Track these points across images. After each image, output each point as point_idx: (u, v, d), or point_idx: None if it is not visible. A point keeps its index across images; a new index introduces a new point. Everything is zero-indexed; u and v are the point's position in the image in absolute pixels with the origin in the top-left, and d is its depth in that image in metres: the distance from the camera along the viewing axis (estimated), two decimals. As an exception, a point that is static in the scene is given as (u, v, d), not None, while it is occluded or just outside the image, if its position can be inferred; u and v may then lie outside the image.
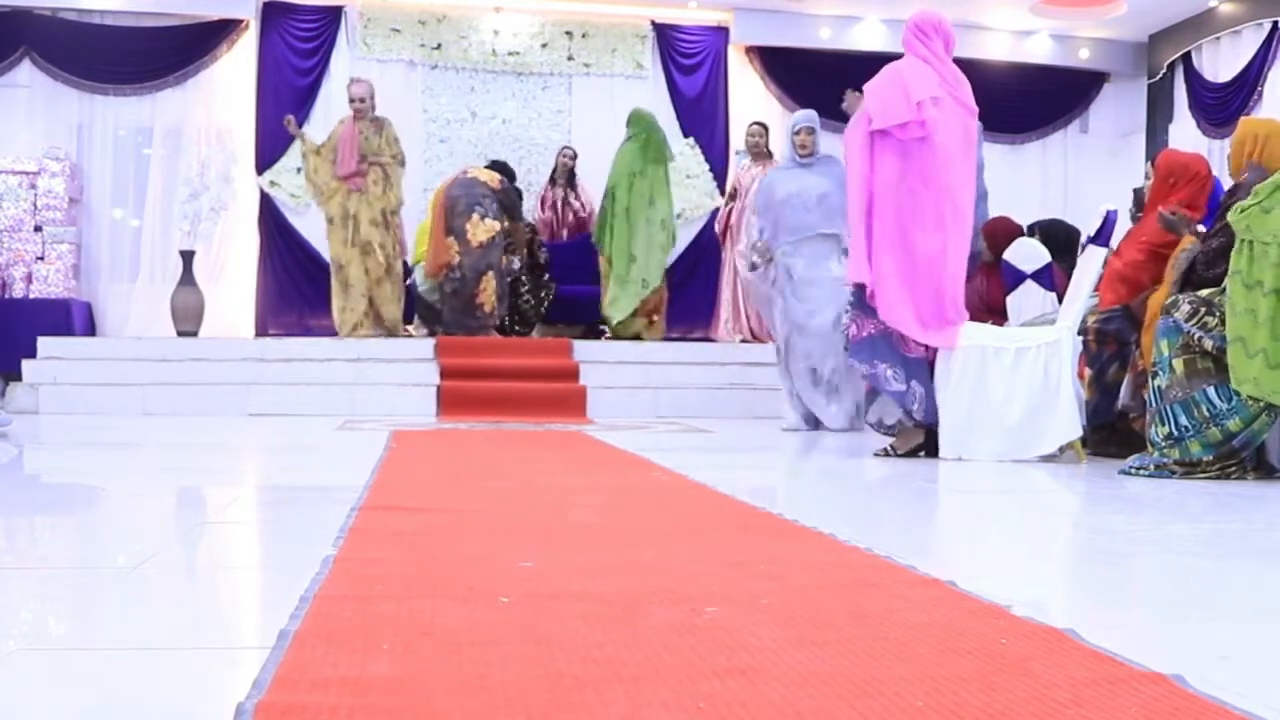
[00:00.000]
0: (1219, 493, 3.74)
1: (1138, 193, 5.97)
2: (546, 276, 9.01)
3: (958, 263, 4.79)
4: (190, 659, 1.54)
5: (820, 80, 9.36)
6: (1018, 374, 4.69)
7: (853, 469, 4.62)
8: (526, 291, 8.84)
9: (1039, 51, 10.66)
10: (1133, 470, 4.24)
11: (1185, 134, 10.02)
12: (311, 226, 9.14)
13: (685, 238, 10.16)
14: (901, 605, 1.82)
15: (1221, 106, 9.64)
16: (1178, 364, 4.15)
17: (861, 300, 4.81)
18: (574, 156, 9.61)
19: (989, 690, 1.36)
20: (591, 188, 9.45)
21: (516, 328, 8.84)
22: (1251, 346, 3.92)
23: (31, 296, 8.77)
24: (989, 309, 5.88)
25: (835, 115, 7.49)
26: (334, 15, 9.91)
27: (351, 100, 8.26)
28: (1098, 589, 2.28)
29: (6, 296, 8.71)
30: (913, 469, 4.50)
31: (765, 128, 8.84)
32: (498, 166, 8.82)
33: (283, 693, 1.30)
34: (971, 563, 2.52)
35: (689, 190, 10.25)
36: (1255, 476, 4.16)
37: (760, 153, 8.68)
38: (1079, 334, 4.87)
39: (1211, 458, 4.11)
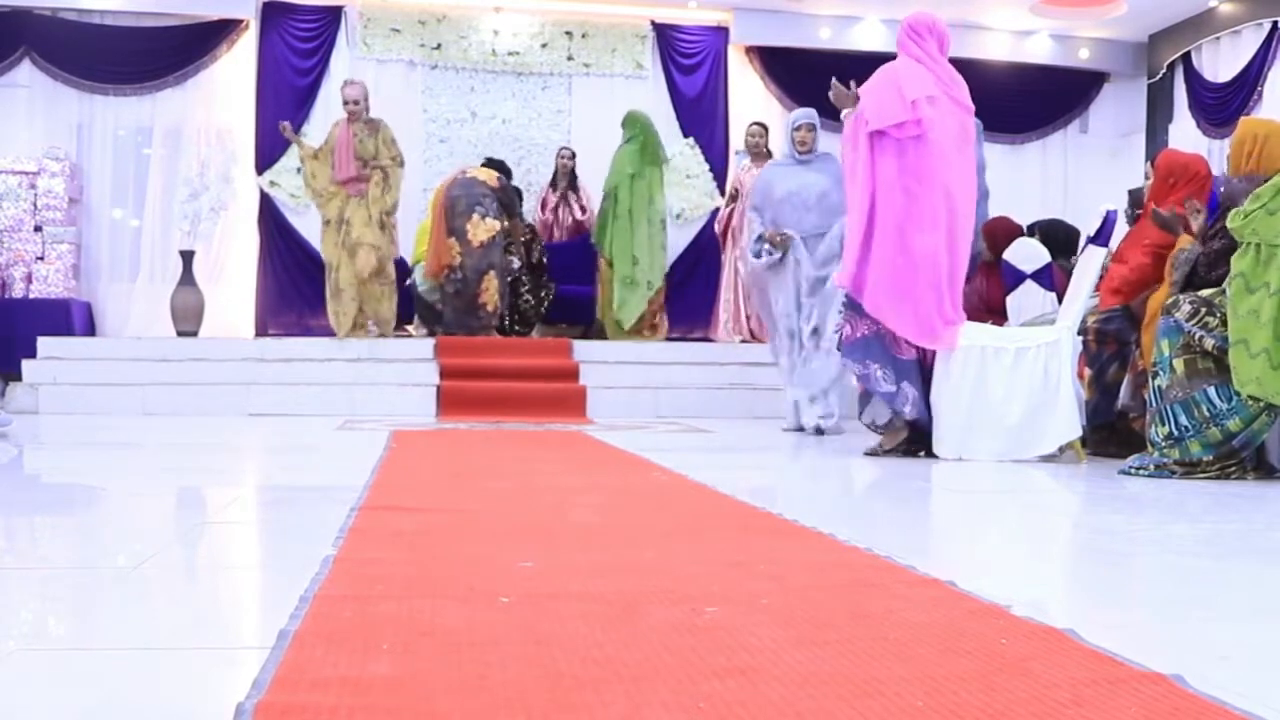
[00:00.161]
0: (1219, 493, 3.74)
1: (1133, 193, 5.97)
2: (546, 276, 9.01)
3: (958, 262, 4.80)
4: (190, 659, 1.54)
5: (820, 80, 9.26)
6: (1018, 374, 4.69)
7: (852, 469, 4.61)
8: (526, 291, 8.84)
9: (1039, 51, 10.66)
10: (1133, 470, 4.24)
11: (1185, 134, 10.02)
12: (311, 226, 9.13)
13: (685, 238, 10.17)
14: (901, 605, 1.82)
15: (1221, 106, 9.64)
16: (1178, 364, 4.16)
17: (853, 300, 4.84)
18: (571, 157, 9.62)
19: (989, 690, 1.36)
20: (592, 188, 9.45)
21: (516, 328, 8.84)
22: (1254, 347, 3.93)
23: (31, 296, 8.77)
24: (989, 309, 5.88)
25: (836, 115, 7.49)
26: (334, 15, 9.90)
27: (345, 102, 8.16)
28: (1098, 589, 2.28)
29: (6, 296, 8.71)
30: (912, 469, 4.50)
31: (765, 128, 8.85)
32: (494, 164, 8.81)
33: (283, 693, 1.30)
34: (971, 563, 2.52)
35: (689, 190, 10.26)
36: (1255, 476, 4.17)
37: (760, 153, 8.68)
38: (1079, 334, 4.87)
39: (1211, 458, 4.11)
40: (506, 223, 8.43)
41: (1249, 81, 9.31)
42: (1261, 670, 1.55)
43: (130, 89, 9.60)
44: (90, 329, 9.21)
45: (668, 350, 8.55)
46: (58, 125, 9.50)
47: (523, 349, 8.44)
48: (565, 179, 9.66)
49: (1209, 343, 4.09)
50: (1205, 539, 2.86)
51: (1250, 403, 4.01)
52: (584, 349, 8.29)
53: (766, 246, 6.22)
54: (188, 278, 8.84)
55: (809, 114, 6.46)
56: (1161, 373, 4.21)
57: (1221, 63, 9.81)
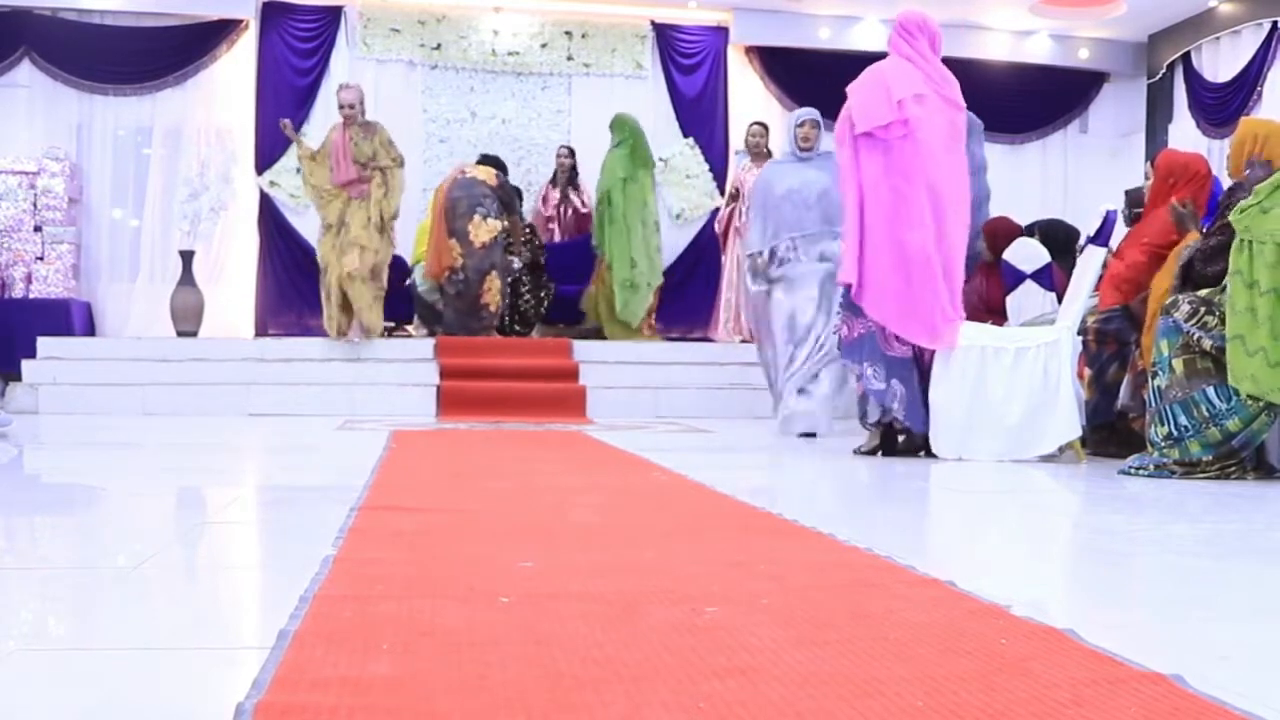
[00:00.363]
0: (1219, 493, 3.74)
1: (1130, 194, 5.97)
2: (546, 276, 9.02)
3: (953, 259, 4.80)
4: (190, 659, 1.54)
5: (820, 80, 9.34)
6: (1017, 374, 4.70)
7: (852, 469, 4.62)
8: (526, 291, 8.84)
9: (1039, 51, 10.66)
10: (1132, 470, 4.24)
11: (1185, 134, 10.02)
12: (311, 226, 9.13)
13: (685, 238, 10.18)
14: (901, 605, 1.82)
15: (1221, 106, 9.64)
16: (1177, 364, 4.16)
17: (850, 301, 4.85)
18: (569, 155, 9.63)
19: (989, 690, 1.36)
20: (591, 186, 9.45)
21: (516, 328, 8.84)
22: (1250, 344, 3.93)
23: (31, 296, 8.77)
24: (989, 309, 5.88)
25: (836, 115, 7.49)
26: (334, 15, 9.90)
27: (341, 106, 8.07)
28: (1098, 589, 2.28)
29: (6, 296, 8.71)
30: (912, 469, 4.50)
31: (766, 128, 8.85)
32: (490, 161, 8.79)
33: (282, 693, 1.30)
34: (971, 563, 2.52)
35: (689, 190, 10.26)
36: (1255, 476, 4.17)
37: (760, 153, 8.69)
38: (1079, 334, 4.88)
39: (1211, 458, 4.11)
40: (507, 222, 8.43)
41: (1249, 81, 9.31)
42: (1261, 670, 1.55)
43: (130, 89, 9.60)
44: (90, 329, 9.21)
45: (668, 350, 8.55)
46: (58, 125, 9.50)
47: (523, 349, 8.44)
48: (565, 177, 9.67)
49: (1208, 343, 4.09)
50: (1205, 539, 2.86)
51: (1249, 402, 4.01)
52: (584, 349, 8.29)
53: (749, 277, 6.21)
54: (187, 278, 8.84)
55: (813, 111, 6.40)
56: (1161, 373, 4.21)
57: (1221, 63, 9.81)
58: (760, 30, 10.27)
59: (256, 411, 7.44)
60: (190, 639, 1.67)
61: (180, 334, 8.70)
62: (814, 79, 9.76)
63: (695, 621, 1.69)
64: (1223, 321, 4.05)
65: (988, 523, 3.27)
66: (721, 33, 10.35)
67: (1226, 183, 4.81)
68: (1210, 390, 4.09)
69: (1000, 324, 5.66)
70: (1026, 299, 5.94)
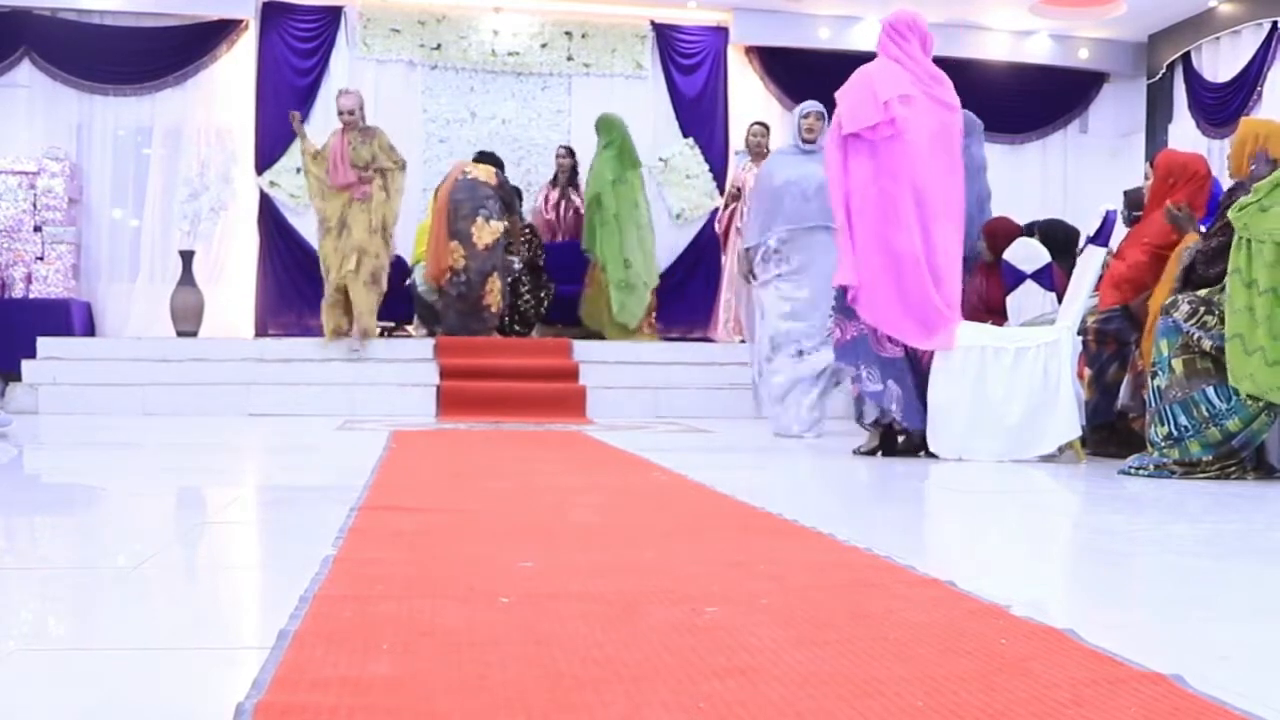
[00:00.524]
0: (1219, 493, 3.74)
1: (1129, 194, 5.97)
2: (546, 276, 9.02)
3: (943, 260, 4.79)
4: (190, 659, 1.54)
5: (820, 80, 9.30)
6: (1017, 374, 4.70)
7: (851, 469, 4.62)
8: (526, 291, 8.84)
9: (1039, 51, 10.66)
10: (1132, 470, 4.24)
11: (1185, 134, 10.02)
12: (311, 226, 9.11)
13: (685, 238, 10.19)
14: (901, 605, 1.82)
15: (1221, 107, 9.64)
16: (1177, 364, 4.16)
17: (843, 303, 4.85)
18: (568, 155, 9.62)
19: (989, 690, 1.36)
20: (589, 186, 9.46)
21: (516, 328, 8.84)
22: (1250, 344, 3.93)
23: (31, 296, 8.77)
24: (989, 309, 5.88)
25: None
26: (333, 15, 9.90)
27: (340, 113, 8.02)
28: (1098, 589, 2.28)
29: (6, 296, 8.71)
30: (912, 469, 4.50)
31: (766, 128, 8.85)
32: (487, 157, 8.78)
33: (282, 693, 1.30)
34: (971, 563, 2.52)
35: (689, 190, 10.26)
36: (1255, 476, 4.17)
37: (761, 153, 8.68)
38: (1079, 334, 4.88)
39: (1211, 458, 4.11)
40: (508, 222, 8.43)
41: (1249, 81, 9.31)
42: (1261, 670, 1.55)
43: (130, 89, 9.60)
44: (90, 329, 9.21)
45: (668, 350, 8.55)
46: (57, 125, 9.50)
47: (523, 349, 8.44)
48: (565, 177, 9.68)
49: (1207, 343, 4.09)
50: (1205, 539, 2.86)
51: (1249, 402, 4.01)
52: (584, 349, 8.29)
53: (743, 268, 6.20)
54: (187, 278, 8.84)
55: (817, 104, 6.31)
56: (1160, 373, 4.21)
57: (1221, 63, 9.81)
58: (760, 30, 10.27)
59: (256, 411, 7.44)
60: (190, 639, 1.67)
61: (180, 334, 8.70)
62: (814, 79, 9.73)
63: (695, 621, 1.69)
64: (1222, 321, 4.05)
65: (988, 523, 3.27)
66: (721, 33, 10.35)
67: (1227, 183, 4.81)
68: (1210, 390, 4.09)
69: (1000, 324, 5.65)
70: (1026, 299, 5.94)
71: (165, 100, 9.69)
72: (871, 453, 4.99)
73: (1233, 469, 4.12)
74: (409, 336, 8.81)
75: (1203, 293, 4.21)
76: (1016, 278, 5.96)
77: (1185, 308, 4.18)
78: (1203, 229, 4.59)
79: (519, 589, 1.91)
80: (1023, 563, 2.60)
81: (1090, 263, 4.91)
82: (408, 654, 1.48)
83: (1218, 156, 8.68)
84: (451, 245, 8.21)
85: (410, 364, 7.96)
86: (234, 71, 9.78)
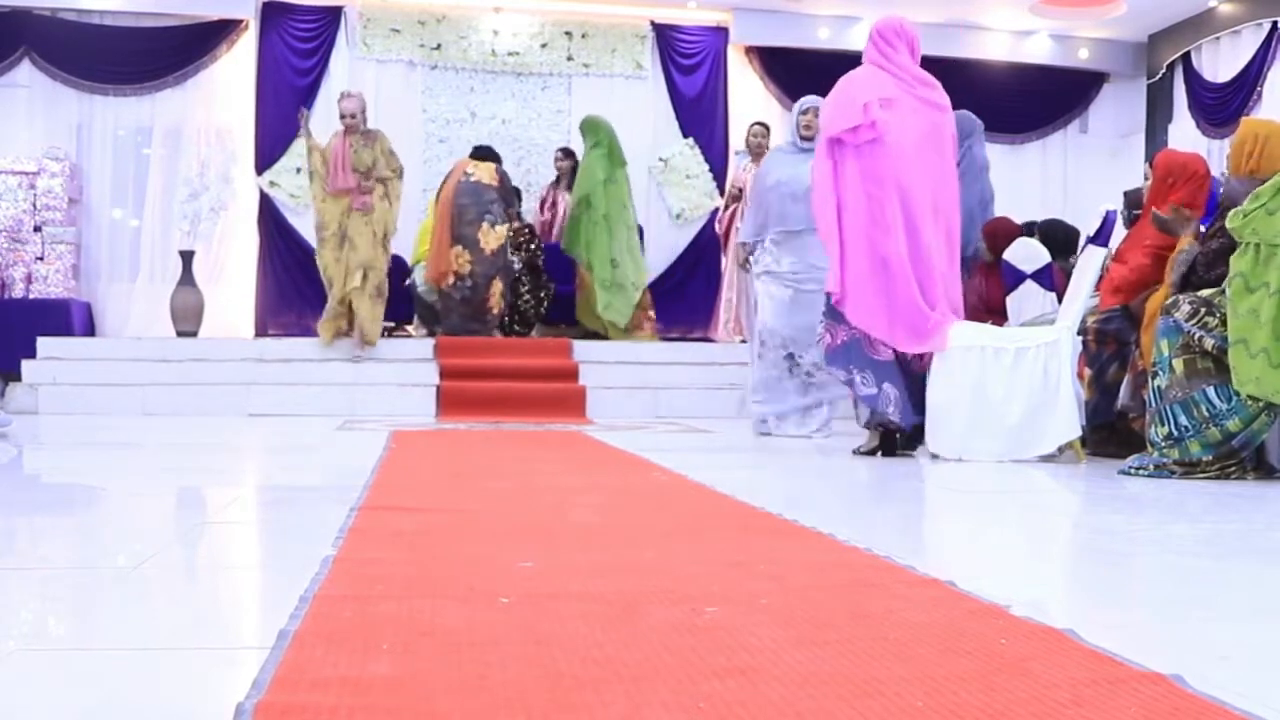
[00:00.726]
0: (1219, 493, 3.74)
1: (1129, 195, 5.96)
2: (546, 277, 9.02)
3: (941, 259, 4.80)
4: (190, 659, 1.54)
5: (819, 80, 9.25)
6: (1017, 374, 4.70)
7: (851, 469, 4.62)
8: (526, 291, 8.84)
9: (1038, 51, 10.66)
10: (1132, 470, 4.24)
11: (1185, 134, 10.02)
12: (311, 226, 9.14)
13: (685, 238, 10.19)
14: (901, 605, 1.82)
15: (1221, 107, 9.64)
16: (1177, 364, 4.16)
17: (833, 308, 4.85)
18: (565, 157, 9.62)
19: (989, 690, 1.36)
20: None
21: (516, 328, 8.84)
22: (1253, 346, 3.93)
23: (31, 296, 8.77)
24: (989, 309, 5.88)
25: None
26: (333, 15, 9.91)
27: (342, 116, 7.96)
28: (1098, 589, 2.28)
29: (6, 296, 8.71)
30: (912, 469, 4.50)
31: (767, 128, 8.85)
32: (484, 153, 8.76)
33: (282, 693, 1.30)
34: (971, 563, 2.52)
35: (689, 190, 10.27)
36: (1255, 476, 4.17)
37: (761, 153, 8.67)
38: (1079, 334, 4.88)
39: (1211, 458, 4.11)
40: (511, 223, 8.44)
41: (1249, 82, 9.31)
42: (1261, 670, 1.55)
43: (130, 89, 9.60)
44: (90, 329, 9.21)
45: (667, 350, 8.56)
46: (57, 125, 9.51)
47: (522, 349, 8.44)
48: (567, 179, 9.68)
49: (1208, 343, 4.09)
50: (1205, 539, 2.86)
51: (1250, 403, 4.01)
52: (584, 349, 8.30)
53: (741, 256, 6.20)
54: (187, 278, 8.84)
55: (817, 100, 6.08)
56: (1161, 373, 4.21)
57: (1221, 63, 9.81)
58: (760, 30, 10.28)
59: (256, 412, 7.44)
60: (190, 639, 1.67)
61: (180, 334, 8.70)
62: (814, 79, 9.70)
63: (695, 621, 1.69)
64: (1223, 322, 4.05)
65: (988, 523, 3.27)
66: (721, 33, 10.35)
67: (1226, 183, 4.81)
68: (1210, 390, 4.09)
69: (1000, 324, 5.66)
70: (1026, 299, 5.93)
71: (165, 100, 9.69)
72: (871, 453, 4.99)
73: (1233, 469, 4.12)
74: (409, 336, 8.82)
75: (1204, 293, 4.21)
76: (1016, 278, 5.96)
77: (1186, 308, 4.18)
78: (1202, 228, 4.59)
79: (519, 589, 1.91)
80: (1023, 563, 2.60)
81: (1090, 263, 4.91)
82: (408, 654, 1.48)
83: (1218, 156, 8.68)
84: (456, 250, 8.19)
85: (410, 364, 7.96)
86: (234, 71, 9.78)
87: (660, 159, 10.27)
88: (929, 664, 1.47)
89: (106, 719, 1.28)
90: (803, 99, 6.33)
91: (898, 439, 4.97)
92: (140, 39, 9.62)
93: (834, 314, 4.87)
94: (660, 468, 4.21)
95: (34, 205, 8.94)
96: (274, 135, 9.60)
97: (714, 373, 8.11)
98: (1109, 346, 5.03)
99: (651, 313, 9.04)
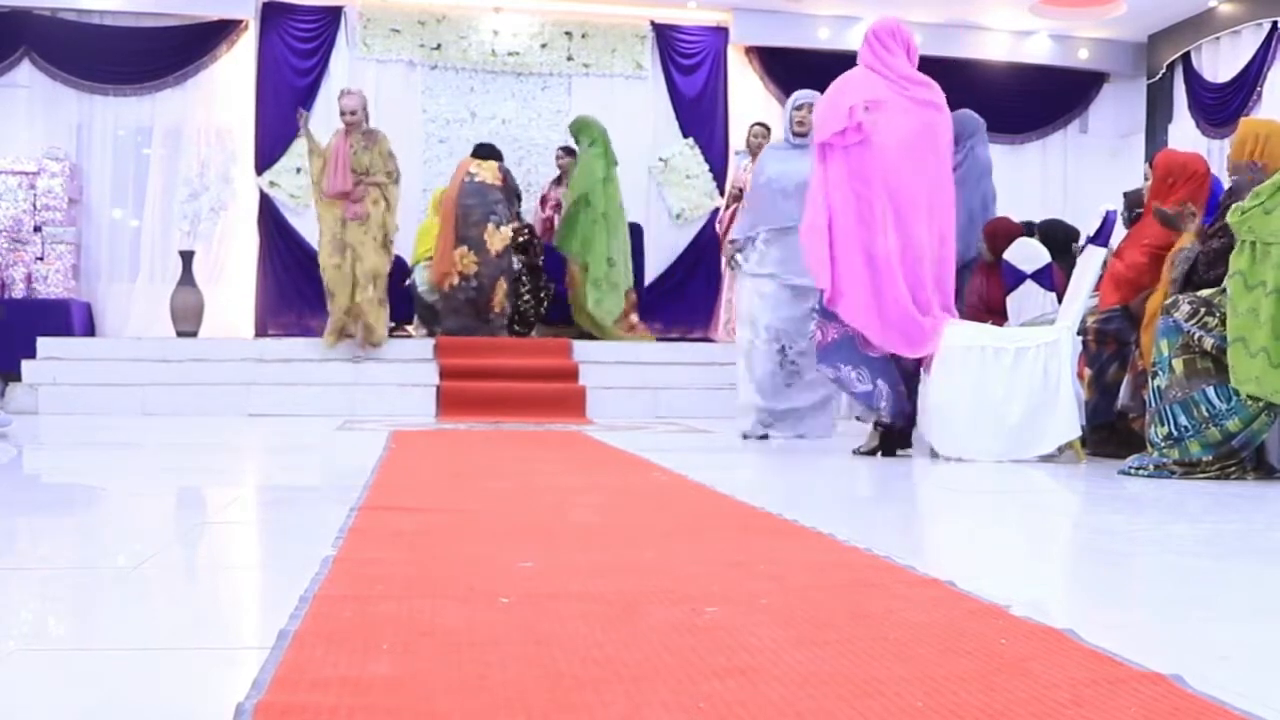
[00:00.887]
0: (1219, 493, 3.74)
1: (1128, 196, 5.96)
2: (546, 276, 9.02)
3: (934, 257, 4.80)
4: (190, 659, 1.54)
5: (819, 80, 9.21)
6: (1017, 374, 4.70)
7: (851, 469, 4.62)
8: (526, 292, 8.84)
9: (1038, 52, 10.66)
10: (1132, 470, 4.24)
11: (1185, 134, 10.03)
12: (311, 227, 9.12)
13: (685, 238, 10.20)
14: (901, 605, 1.82)
15: (1221, 107, 9.64)
16: (1177, 364, 4.16)
17: (823, 306, 4.86)
18: (565, 155, 9.62)
19: (989, 690, 1.36)
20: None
21: (516, 328, 8.84)
22: (1253, 346, 3.93)
23: (31, 297, 8.77)
24: (989, 309, 5.88)
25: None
26: (333, 15, 9.91)
27: (342, 113, 7.89)
28: (1098, 589, 2.28)
29: (6, 297, 8.71)
30: (912, 469, 4.50)
31: (767, 128, 8.85)
32: (486, 151, 8.75)
33: (282, 693, 1.30)
34: (971, 563, 2.52)
35: (689, 190, 10.27)
36: (1255, 476, 4.16)
37: (762, 153, 8.70)
38: (1079, 334, 4.88)
39: (1211, 458, 4.11)
40: (515, 223, 8.46)
41: (1248, 82, 9.31)
42: (1261, 670, 1.55)
43: (130, 89, 9.60)
44: (90, 329, 9.21)
45: (668, 350, 8.56)
46: (57, 125, 9.51)
47: (522, 349, 8.44)
48: (568, 176, 9.69)
49: (1208, 343, 4.09)
50: (1205, 539, 2.86)
51: (1249, 402, 4.01)
52: (584, 349, 8.30)
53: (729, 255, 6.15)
54: (187, 278, 8.85)
55: (811, 94, 5.99)
56: (1161, 373, 4.21)
57: (1221, 63, 9.81)
58: (760, 30, 10.28)
59: (256, 412, 7.44)
60: (190, 639, 1.67)
61: (180, 334, 8.70)
62: (814, 79, 9.65)
63: (695, 621, 1.69)
64: (1223, 322, 4.05)
65: (988, 523, 3.27)
66: (721, 33, 10.36)
67: (1226, 183, 4.81)
68: (1210, 390, 4.08)
69: (1000, 324, 5.65)
70: (1026, 299, 5.92)
71: (165, 100, 9.69)
72: (871, 453, 4.99)
73: (1233, 469, 4.12)
74: (409, 336, 8.81)
75: (1204, 293, 4.21)
76: (1016, 278, 5.95)
77: (1186, 308, 4.18)
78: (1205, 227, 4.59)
79: (519, 589, 1.91)
80: (1023, 563, 2.60)
81: (1090, 263, 4.91)
82: (408, 654, 1.48)
83: (1218, 156, 8.69)
84: (461, 250, 8.18)
85: (410, 364, 7.96)
86: (234, 71, 9.78)
87: (660, 159, 10.27)
88: (929, 664, 1.47)
89: (106, 719, 1.28)
90: (795, 94, 6.20)
91: (897, 438, 4.98)
92: (140, 39, 9.62)
93: (825, 312, 4.88)
94: (660, 468, 4.21)
95: (34, 205, 8.94)
96: (274, 135, 9.60)
97: (714, 373, 8.11)
98: (1109, 346, 5.03)
99: (634, 316, 8.99)
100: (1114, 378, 5.01)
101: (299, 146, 8.65)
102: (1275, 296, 3.90)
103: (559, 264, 9.07)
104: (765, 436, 5.92)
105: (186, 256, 8.89)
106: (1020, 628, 1.67)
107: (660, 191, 10.29)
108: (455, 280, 8.26)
